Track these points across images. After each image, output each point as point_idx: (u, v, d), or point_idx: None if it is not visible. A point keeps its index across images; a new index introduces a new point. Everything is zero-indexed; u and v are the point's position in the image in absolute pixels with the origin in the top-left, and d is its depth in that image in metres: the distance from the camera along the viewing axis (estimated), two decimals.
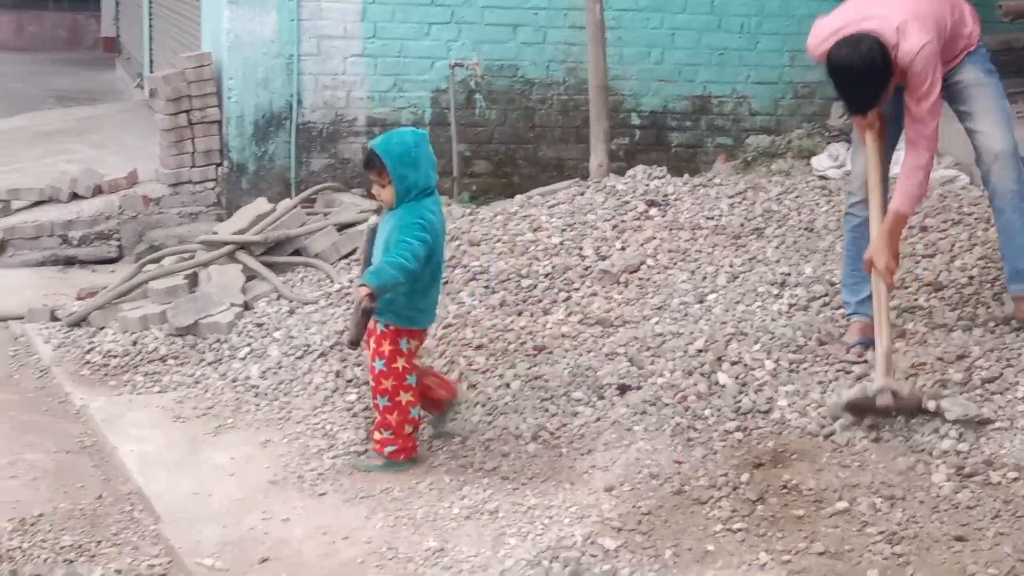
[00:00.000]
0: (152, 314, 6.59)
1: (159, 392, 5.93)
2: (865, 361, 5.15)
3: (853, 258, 5.32)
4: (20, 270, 8.23)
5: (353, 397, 5.59)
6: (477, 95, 9.16)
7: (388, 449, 5.01)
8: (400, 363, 4.97)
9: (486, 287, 5.93)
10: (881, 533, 4.15)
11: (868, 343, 5.18)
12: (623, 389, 5.32)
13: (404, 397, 4.98)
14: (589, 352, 5.71)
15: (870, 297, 5.14)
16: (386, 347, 4.96)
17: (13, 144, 10.94)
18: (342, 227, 7.45)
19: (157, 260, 7.53)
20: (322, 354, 5.93)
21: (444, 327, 6.05)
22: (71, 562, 4.36)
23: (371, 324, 4.95)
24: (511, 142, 9.29)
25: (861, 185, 5.28)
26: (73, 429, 5.66)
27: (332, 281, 6.82)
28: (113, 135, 10.90)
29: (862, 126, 5.12)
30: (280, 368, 5.93)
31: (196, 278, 7.06)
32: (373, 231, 5.01)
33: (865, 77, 4.88)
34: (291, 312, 6.54)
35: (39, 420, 5.76)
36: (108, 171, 9.11)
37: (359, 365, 5.83)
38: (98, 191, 8.81)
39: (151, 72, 11.92)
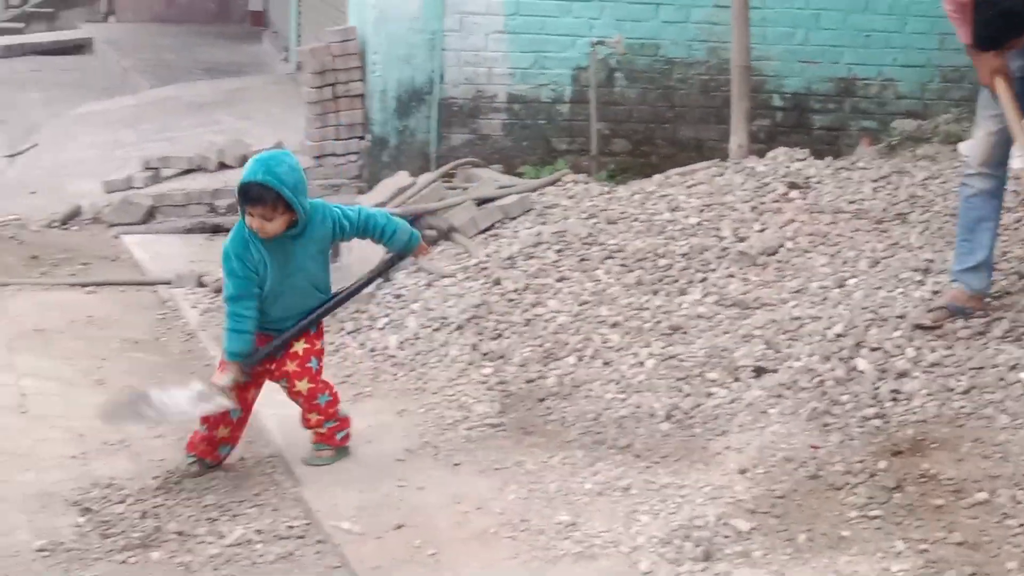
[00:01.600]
0: None
1: None
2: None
3: (964, 228, 5.38)
4: (168, 236, 8.44)
5: (488, 370, 5.65)
6: (617, 73, 9.15)
7: (341, 435, 4.96)
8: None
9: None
10: (1022, 526, 4.07)
11: (955, 310, 5.30)
12: (759, 371, 5.29)
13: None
14: (725, 333, 5.68)
15: (974, 268, 5.33)
16: (320, 344, 4.94)
17: (165, 114, 11.25)
18: (481, 202, 7.51)
19: None
20: (459, 327, 5.99)
21: (580, 304, 6.07)
22: (213, 520, 4.49)
23: (298, 340, 4.85)
24: (650, 121, 9.27)
25: (978, 156, 5.27)
26: None
27: (470, 255, 6.88)
28: (259, 107, 11.13)
29: (989, 72, 5.04)
30: (417, 339, 6.02)
31: (337, 249, 7.18)
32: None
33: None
34: (429, 285, 6.61)
35: (185, 383, 5.90)
36: (254, 142, 9.30)
37: (494, 339, 5.88)
38: (244, 161, 8.99)
39: (298, 46, 12.12)
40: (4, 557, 4.14)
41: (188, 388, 4.78)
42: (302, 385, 4.86)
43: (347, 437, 4.98)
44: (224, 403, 4.71)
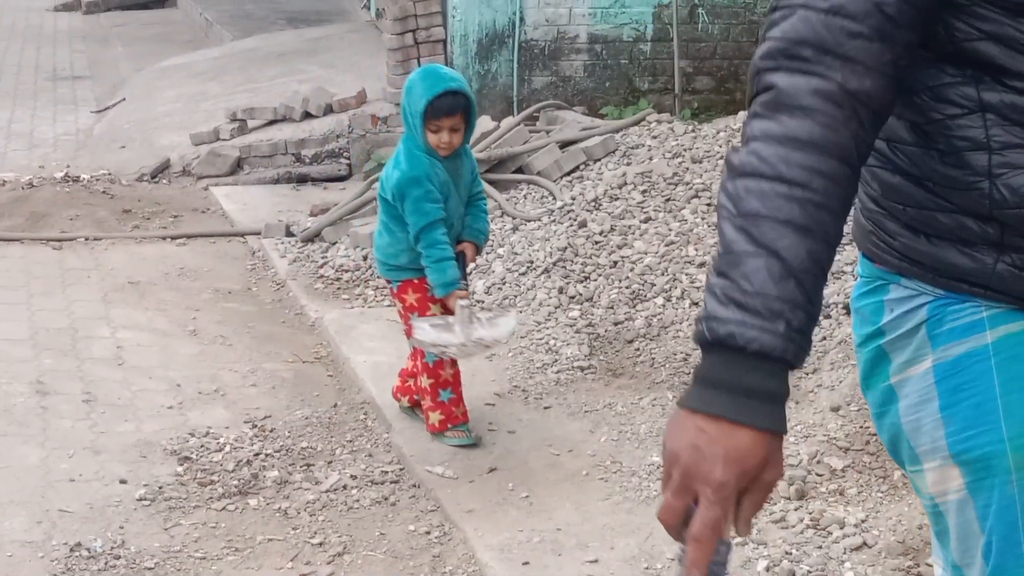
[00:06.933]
0: None
1: (389, 306, 6.10)
2: None
3: None
4: (256, 187, 8.53)
5: (576, 313, 5.65)
6: (700, 9, 9.03)
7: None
8: None
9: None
10: None
11: None
12: (850, 308, 5.23)
13: None
14: None
15: None
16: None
17: (248, 64, 11.32)
18: (564, 144, 7.48)
19: None
20: (545, 270, 5.99)
21: (666, 244, 6.04)
22: (309, 467, 4.56)
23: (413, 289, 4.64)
24: (734, 57, 9.14)
25: None
26: (308, 340, 5.88)
27: (554, 198, 6.87)
28: (342, 55, 11.15)
29: None
30: (504, 284, 6.03)
31: None
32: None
33: None
34: (514, 229, 6.62)
35: (276, 331, 6.00)
36: (338, 90, 9.34)
37: (581, 281, 5.88)
38: (329, 110, 9.05)
39: None
40: (107, 507, 4.25)
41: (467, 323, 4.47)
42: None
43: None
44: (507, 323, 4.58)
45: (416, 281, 4.58)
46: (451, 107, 4.37)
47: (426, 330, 4.38)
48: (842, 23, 1.62)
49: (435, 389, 4.61)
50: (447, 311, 4.54)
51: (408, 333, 4.67)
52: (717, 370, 1.59)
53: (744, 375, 1.57)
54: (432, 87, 4.37)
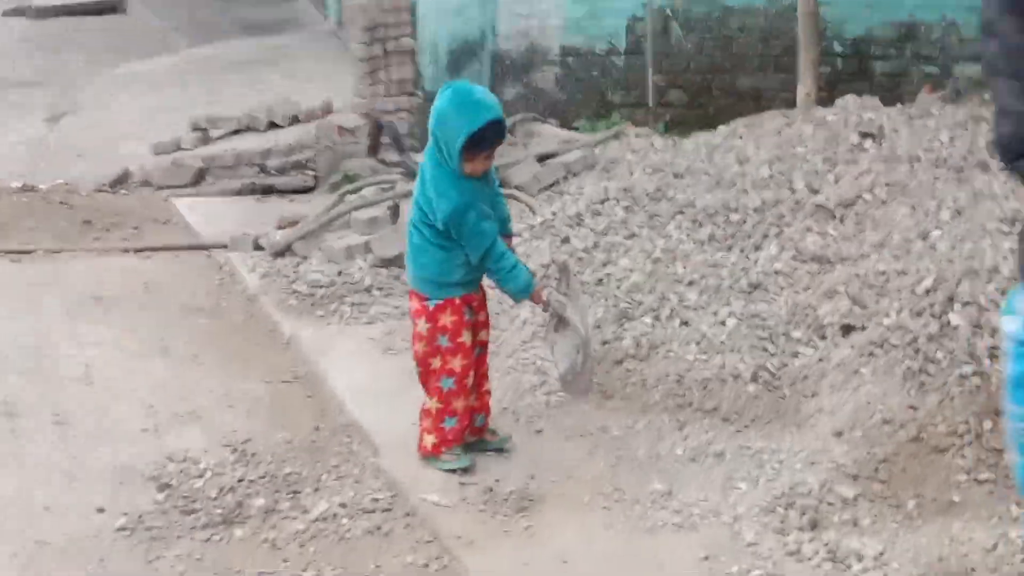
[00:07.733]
0: (356, 244, 6.57)
1: (367, 323, 5.91)
2: None
3: None
4: (219, 199, 8.29)
5: None
6: (673, 23, 8.91)
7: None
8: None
9: None
10: None
11: None
12: (846, 329, 5.10)
13: None
14: (807, 290, 5.49)
15: None
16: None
17: (208, 73, 11.07)
18: (542, 158, 7.32)
19: (357, 191, 7.51)
20: None
21: (653, 261, 5.88)
22: (296, 493, 4.35)
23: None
24: (707, 71, 9.04)
25: None
26: (283, 359, 5.66)
27: (533, 213, 6.70)
28: (303, 65, 10.95)
29: None
30: (487, 301, 5.84)
31: (397, 209, 7.02)
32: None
33: None
34: None
35: (250, 349, 5.78)
36: (301, 100, 9.13)
37: None
38: (294, 120, 8.85)
39: (339, 2, 11.91)
40: (86, 538, 4.02)
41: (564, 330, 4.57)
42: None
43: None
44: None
45: (457, 301, 4.44)
46: (492, 140, 4.24)
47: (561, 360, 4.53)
48: None
49: (441, 415, 4.43)
50: (475, 335, 4.54)
51: (421, 359, 4.48)
52: None
53: None
54: (471, 122, 4.16)
